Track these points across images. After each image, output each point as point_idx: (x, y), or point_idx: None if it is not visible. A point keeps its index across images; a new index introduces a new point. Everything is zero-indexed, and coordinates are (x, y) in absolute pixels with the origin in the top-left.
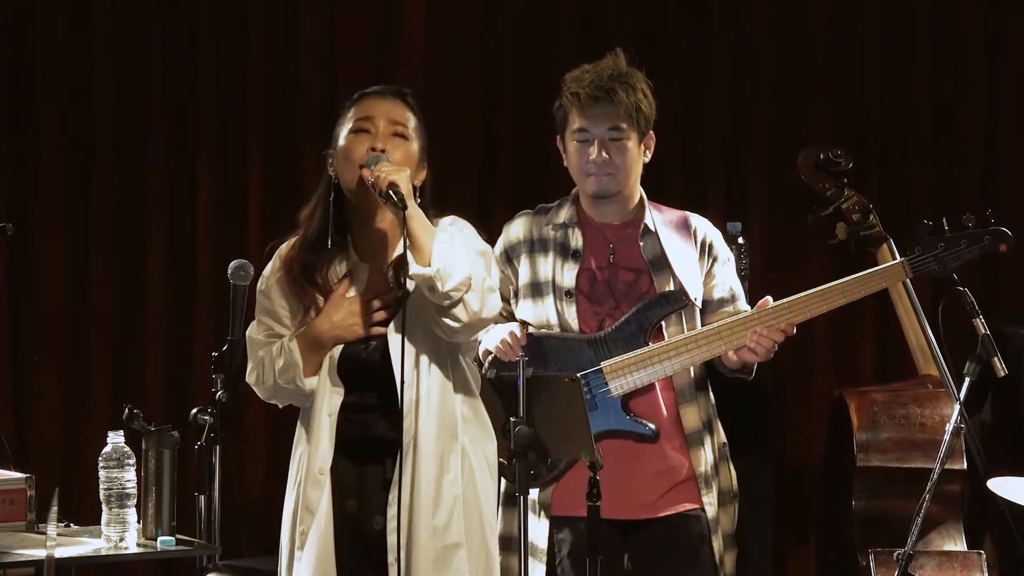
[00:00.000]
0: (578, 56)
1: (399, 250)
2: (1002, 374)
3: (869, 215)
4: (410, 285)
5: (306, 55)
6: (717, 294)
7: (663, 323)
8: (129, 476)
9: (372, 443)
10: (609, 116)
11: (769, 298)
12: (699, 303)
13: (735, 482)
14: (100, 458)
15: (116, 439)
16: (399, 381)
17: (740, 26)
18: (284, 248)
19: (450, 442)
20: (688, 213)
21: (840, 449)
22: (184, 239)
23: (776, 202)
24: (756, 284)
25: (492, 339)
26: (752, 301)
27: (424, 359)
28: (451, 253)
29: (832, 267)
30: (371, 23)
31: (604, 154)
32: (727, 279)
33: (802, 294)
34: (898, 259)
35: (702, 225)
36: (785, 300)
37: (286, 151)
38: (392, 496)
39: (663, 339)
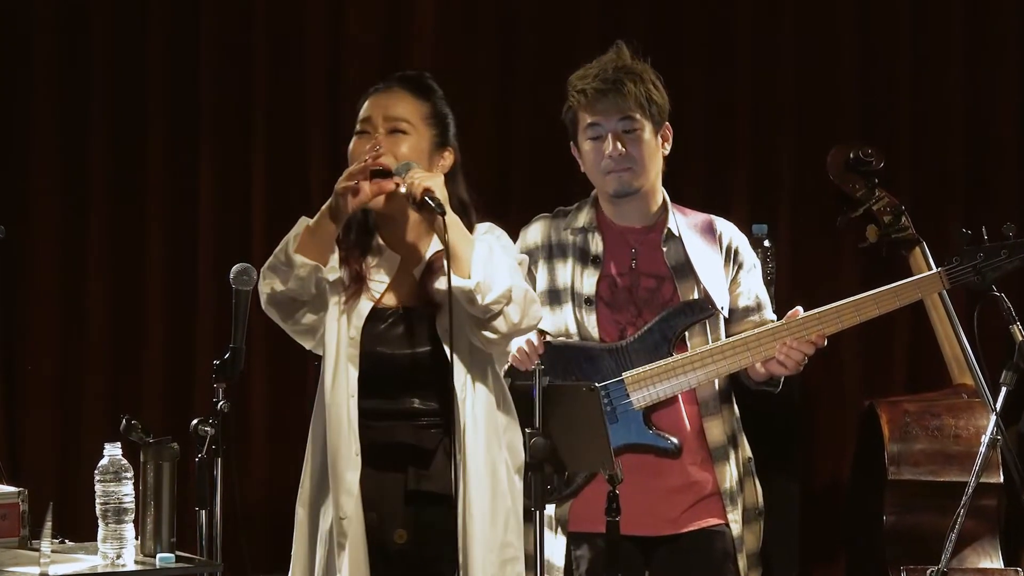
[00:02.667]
0: (599, 53)
1: (431, 251)
2: None
3: (901, 217)
4: (441, 284)
5: (311, 51)
6: (742, 302)
7: (686, 333)
8: (127, 490)
9: (394, 451)
10: (619, 107)
11: (799, 308)
12: (725, 312)
13: (760, 498)
14: (96, 471)
15: (113, 451)
16: (457, 396)
17: (765, 21)
18: None
19: (497, 453)
20: (713, 216)
21: (871, 462)
22: (184, 242)
23: (804, 203)
24: (783, 289)
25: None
26: (779, 306)
27: (465, 368)
28: (491, 264)
29: (862, 271)
30: (379, 16)
31: (620, 147)
32: (753, 287)
33: (833, 305)
34: (932, 264)
35: (727, 229)
36: (815, 311)
37: (291, 151)
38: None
39: (686, 349)
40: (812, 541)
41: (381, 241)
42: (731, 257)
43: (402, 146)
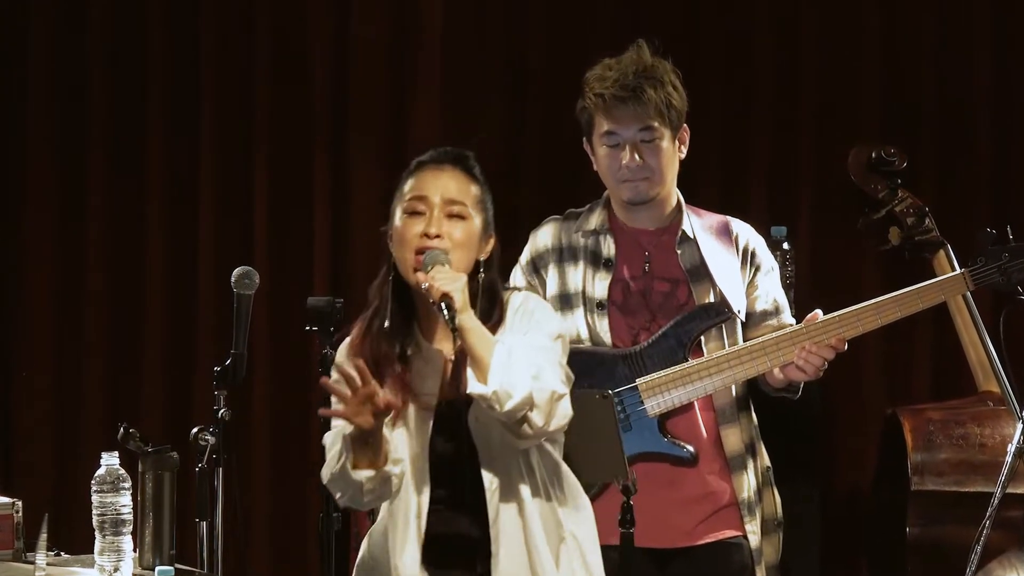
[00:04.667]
0: (612, 52)
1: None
2: None
3: (925, 218)
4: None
5: (315, 50)
6: (760, 306)
7: (702, 338)
8: (125, 501)
9: (458, 543)
10: (638, 116)
11: (819, 312)
12: (742, 315)
13: (780, 509)
14: (93, 481)
15: (111, 460)
16: (489, 501)
17: (785, 18)
18: (354, 335)
19: (554, 534)
20: (729, 218)
21: (893, 472)
22: (184, 244)
23: (824, 205)
24: (802, 293)
25: None
26: (798, 310)
27: (503, 457)
28: (509, 369)
29: (884, 275)
30: (385, 13)
31: (637, 158)
32: (771, 290)
33: (854, 307)
34: (957, 268)
35: (744, 231)
36: (835, 314)
37: (294, 152)
38: None
39: (702, 355)
40: (833, 553)
41: (419, 333)
42: (748, 259)
43: (458, 231)
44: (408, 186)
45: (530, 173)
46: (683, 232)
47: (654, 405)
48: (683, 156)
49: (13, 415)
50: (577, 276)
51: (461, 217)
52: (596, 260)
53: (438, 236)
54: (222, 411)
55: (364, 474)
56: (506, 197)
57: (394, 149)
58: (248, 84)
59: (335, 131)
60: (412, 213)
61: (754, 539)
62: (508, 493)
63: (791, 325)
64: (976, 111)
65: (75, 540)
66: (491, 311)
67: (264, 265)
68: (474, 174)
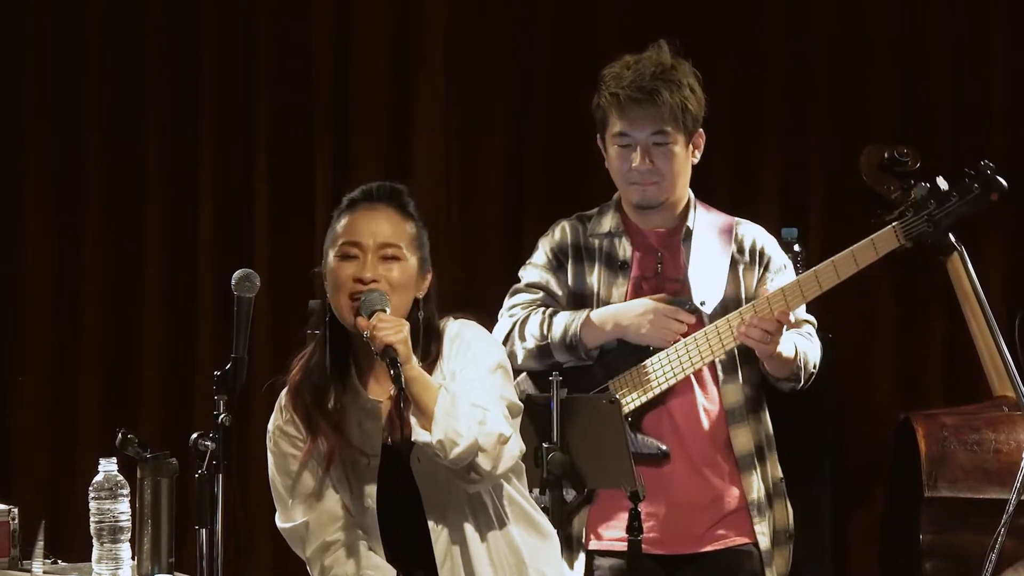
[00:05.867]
0: (621, 50)
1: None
2: None
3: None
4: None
5: (316, 49)
6: None
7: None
8: (123, 508)
9: None
10: (652, 119)
11: (767, 288)
12: (708, 308)
13: (791, 521)
14: (91, 488)
15: (108, 467)
16: (435, 542)
17: (797, 15)
18: (294, 382)
19: (513, 569)
20: (738, 219)
21: (906, 478)
22: (184, 246)
23: (835, 206)
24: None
25: (651, 331)
26: (808, 311)
27: (449, 498)
28: (455, 417)
29: (897, 277)
30: (387, 9)
31: (648, 162)
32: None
33: (795, 278)
34: (971, 270)
35: (751, 231)
36: (779, 287)
37: (295, 151)
38: None
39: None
40: (846, 560)
41: (356, 380)
42: (756, 258)
43: (394, 272)
44: (341, 228)
45: (534, 173)
46: (687, 228)
47: (624, 404)
48: (696, 161)
49: (10, 420)
50: (593, 278)
51: (396, 259)
52: (612, 262)
53: (373, 280)
54: (222, 416)
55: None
56: (510, 196)
57: (396, 151)
58: (249, 85)
59: (336, 132)
60: (345, 257)
61: (764, 540)
62: (455, 536)
63: (806, 321)
64: (991, 111)
65: (72, 548)
66: (429, 347)
67: (265, 268)
68: (408, 211)
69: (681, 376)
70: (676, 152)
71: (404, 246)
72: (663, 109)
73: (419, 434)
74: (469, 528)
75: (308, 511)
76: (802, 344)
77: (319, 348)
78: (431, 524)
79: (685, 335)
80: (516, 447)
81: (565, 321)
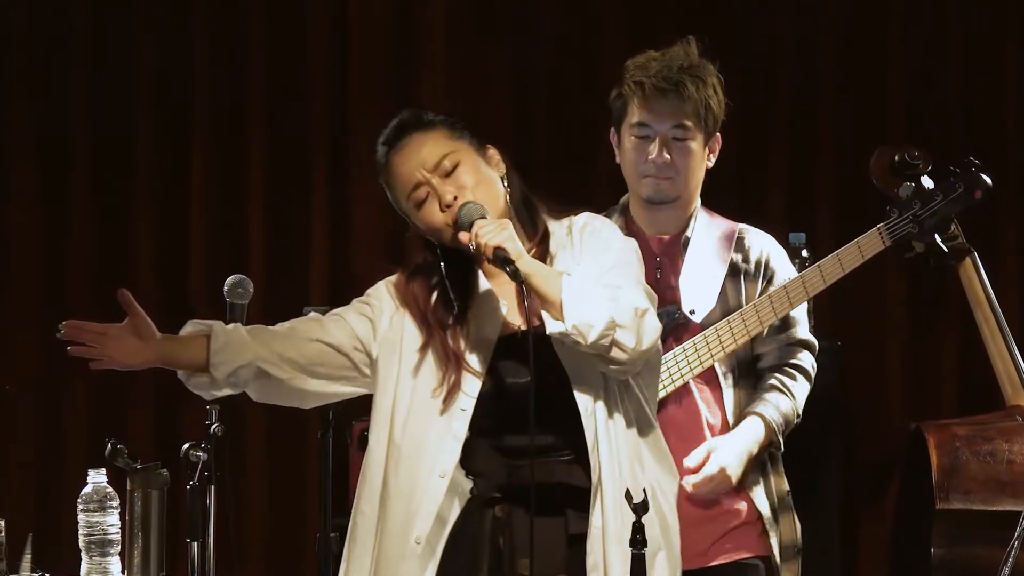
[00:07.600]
0: (626, 52)
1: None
2: None
3: (950, 224)
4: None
5: (314, 50)
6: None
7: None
8: (112, 520)
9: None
10: (675, 112)
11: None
12: (697, 317)
13: (799, 534)
14: (79, 500)
15: (97, 478)
16: (586, 425)
17: (805, 15)
18: (403, 283)
19: (635, 485)
20: (743, 226)
21: (917, 490)
22: (175, 251)
23: (845, 210)
24: (822, 303)
25: None
26: (818, 319)
27: (592, 393)
28: (583, 299)
29: (908, 283)
30: (386, 8)
31: (665, 155)
32: None
33: (788, 281)
34: (983, 275)
35: (759, 241)
36: (765, 295)
37: (291, 153)
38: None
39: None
40: (856, 574)
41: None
42: (760, 268)
43: (462, 177)
44: (397, 185)
45: (534, 174)
46: (686, 236)
47: None
48: (711, 165)
49: None
50: None
51: (455, 166)
52: None
53: (455, 199)
54: (214, 426)
55: (199, 380)
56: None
57: None
58: (244, 87)
59: (333, 136)
60: (420, 203)
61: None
62: (604, 414)
63: (807, 340)
64: (1004, 113)
65: (60, 561)
66: (535, 222)
67: (260, 273)
68: (426, 120)
69: (680, 383)
70: (693, 149)
71: (450, 150)
72: (687, 103)
73: (551, 325)
74: (616, 414)
75: (338, 318)
76: (770, 412)
77: (439, 279)
78: (579, 399)
79: (678, 343)
80: (656, 320)
81: None
